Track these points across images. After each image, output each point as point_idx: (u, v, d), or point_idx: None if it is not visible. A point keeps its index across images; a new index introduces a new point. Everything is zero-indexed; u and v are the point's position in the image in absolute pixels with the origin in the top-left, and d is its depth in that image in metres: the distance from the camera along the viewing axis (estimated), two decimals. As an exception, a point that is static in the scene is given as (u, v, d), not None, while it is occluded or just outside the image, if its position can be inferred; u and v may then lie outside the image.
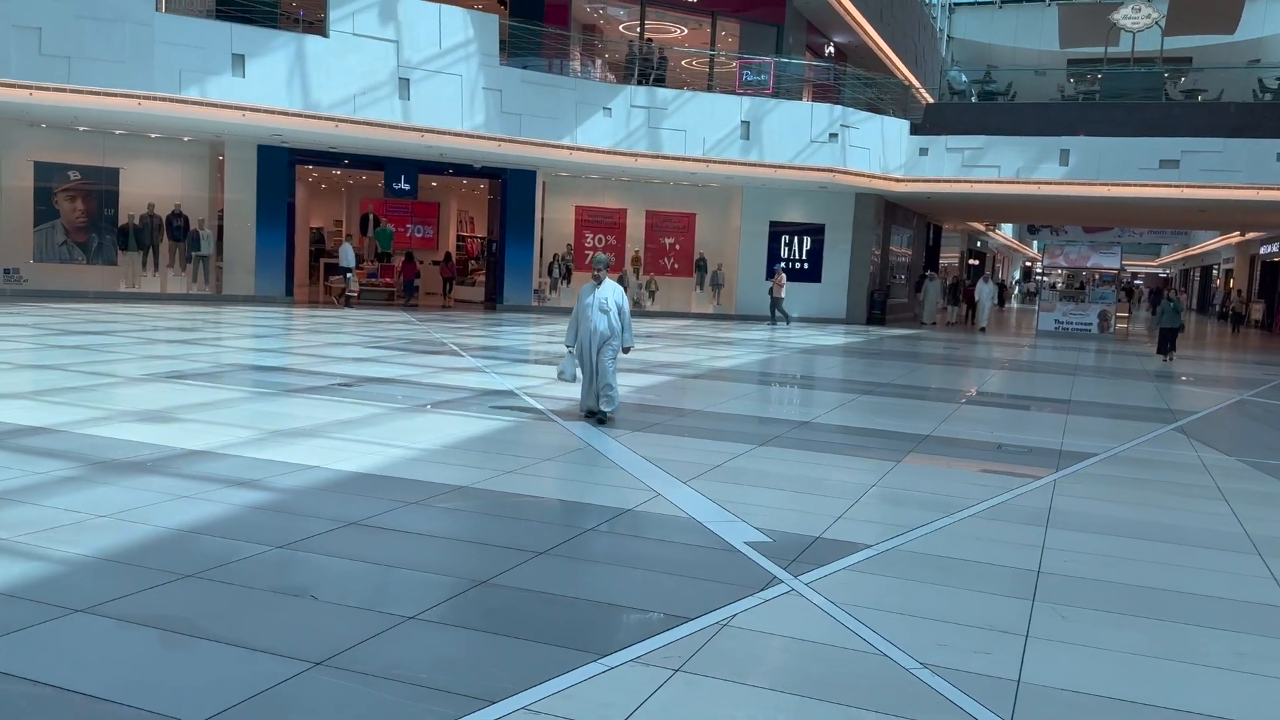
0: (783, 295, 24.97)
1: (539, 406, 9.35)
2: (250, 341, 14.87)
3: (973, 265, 49.25)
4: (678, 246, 27.84)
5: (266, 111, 18.66)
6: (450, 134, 20.30)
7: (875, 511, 6.15)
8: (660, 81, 24.22)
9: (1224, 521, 6.33)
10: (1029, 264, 69.32)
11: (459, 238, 32.25)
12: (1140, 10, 25.81)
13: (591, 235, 27.08)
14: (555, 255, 26.24)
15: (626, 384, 11.20)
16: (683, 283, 27.98)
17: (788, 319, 24.82)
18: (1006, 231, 55.72)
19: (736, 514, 5.77)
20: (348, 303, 23.34)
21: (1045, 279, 28.78)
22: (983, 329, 26.29)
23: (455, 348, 14.62)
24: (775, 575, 4.70)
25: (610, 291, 8.72)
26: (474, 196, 30.70)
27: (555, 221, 26.86)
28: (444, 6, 20.20)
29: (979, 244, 50.37)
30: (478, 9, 22.50)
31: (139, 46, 17.52)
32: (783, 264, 26.41)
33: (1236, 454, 8.88)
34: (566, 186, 26.63)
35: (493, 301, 25.26)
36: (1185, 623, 4.41)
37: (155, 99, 17.69)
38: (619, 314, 8.69)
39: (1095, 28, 35.37)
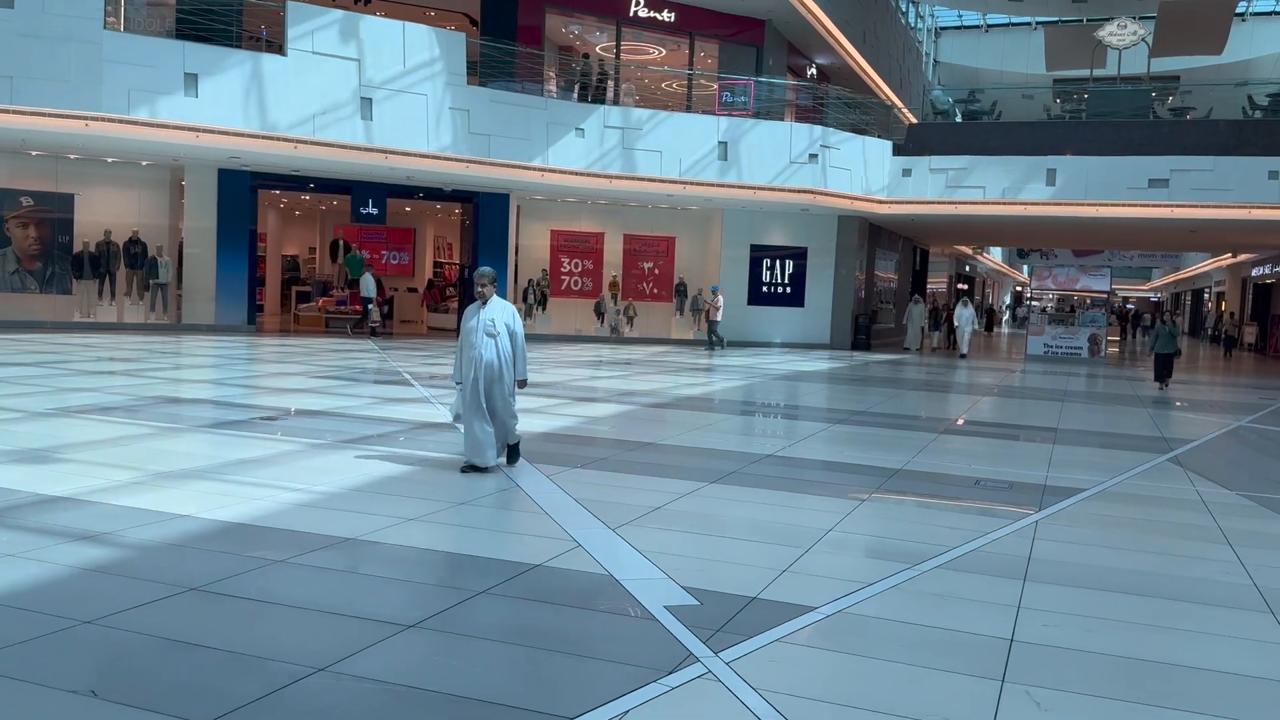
0: (718, 318, 23.43)
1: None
2: (188, 373, 14.03)
3: (960, 290, 48.69)
4: (657, 271, 27.12)
5: (221, 133, 17.94)
6: (415, 155, 19.59)
7: (827, 562, 5.32)
8: (631, 100, 23.61)
9: (1229, 571, 5.51)
10: (1019, 288, 68.81)
11: (436, 264, 31.54)
12: (1126, 27, 25.28)
13: (568, 260, 26.35)
14: (530, 281, 25.49)
15: (583, 414, 10.38)
16: (662, 308, 27.23)
17: (722, 343, 23.26)
18: (996, 255, 55.21)
19: (665, 569, 4.95)
20: (373, 333, 22.94)
21: (1036, 303, 28.06)
22: (963, 355, 25.09)
23: (409, 377, 13.80)
24: (691, 652, 3.87)
25: (499, 311, 7.21)
26: (451, 222, 29.99)
27: (530, 247, 26.13)
28: (408, 24, 19.57)
29: (967, 268, 49.80)
30: (451, 29, 21.93)
31: (86, 66, 16.80)
32: (718, 286, 24.69)
33: (1238, 488, 8.08)
34: (541, 210, 25.93)
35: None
36: (1188, 710, 3.58)
37: (103, 120, 16.95)
38: (510, 338, 7.19)
39: (1081, 49, 34.96)
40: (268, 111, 18.29)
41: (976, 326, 26.09)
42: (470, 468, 7.18)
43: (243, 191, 21.84)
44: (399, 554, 5.09)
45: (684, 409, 11.85)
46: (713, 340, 23.35)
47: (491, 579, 4.74)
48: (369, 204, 22.99)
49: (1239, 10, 40.15)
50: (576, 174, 21.66)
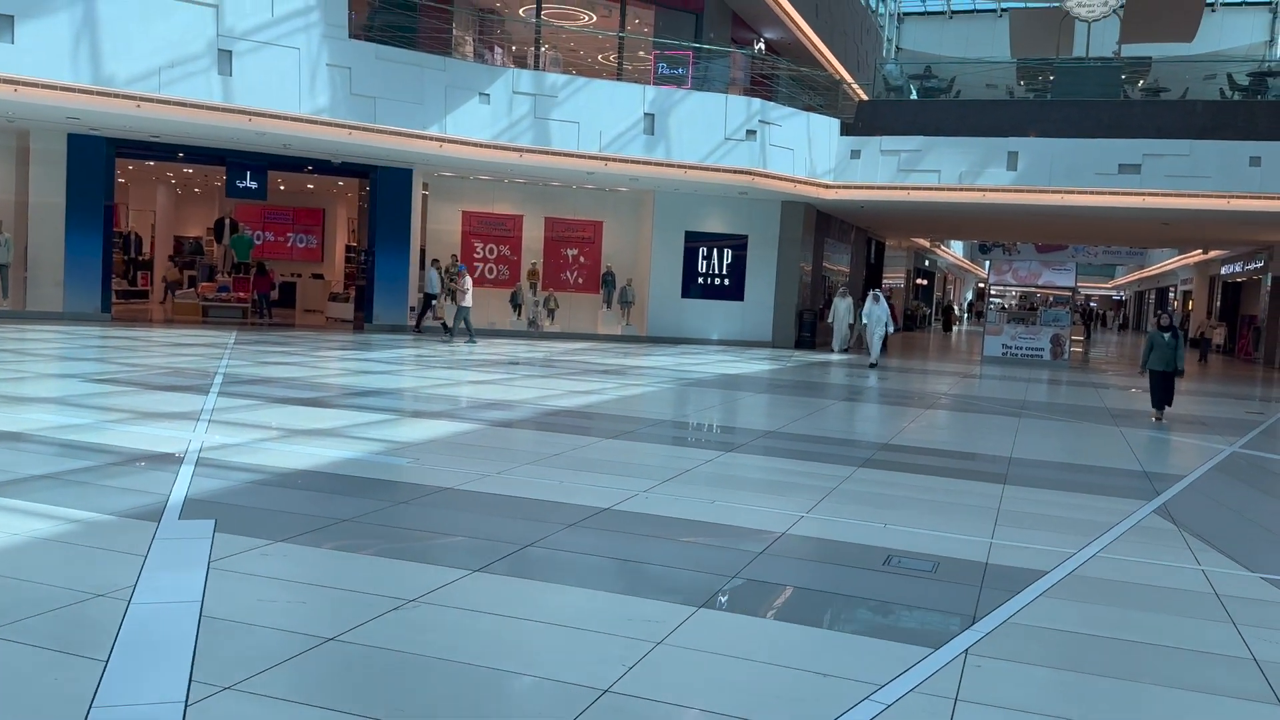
0: (468, 304, 19.48)
1: (174, 490, 5.98)
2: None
3: (920, 285, 46.62)
4: (582, 259, 24.59)
5: (45, 86, 15.17)
6: (285, 118, 16.91)
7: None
8: (556, 69, 21.02)
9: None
10: (981, 284, 67.33)
11: (348, 249, 28.75)
12: (1096, -4, 23.06)
13: (482, 245, 23.76)
14: (435, 262, 22.81)
15: (400, 437, 7.83)
16: (588, 299, 24.72)
17: (470, 333, 19.60)
18: (957, 250, 53.23)
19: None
20: (445, 329, 20.88)
21: (997, 299, 25.81)
22: (873, 365, 19.15)
23: (223, 380, 11.18)
24: None
25: None
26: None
27: (440, 231, 23.50)
28: (278, -34, 16.85)
29: (927, 262, 47.73)
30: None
31: None
32: (464, 266, 21.17)
33: (1258, 566, 5.73)
34: (452, 189, 23.30)
35: (362, 320, 21.74)
36: None
37: (-110, 66, 14.15)
38: None
39: (1048, 32, 32.85)
40: (103, 62, 15.53)
41: (892, 329, 20.28)
42: None
43: (97, 160, 19.04)
44: None
45: (544, 429, 9.36)
46: (457, 329, 19.78)
47: None
48: (246, 177, 20.25)
49: (1208, 1, 38.39)
50: (480, 145, 19.07)
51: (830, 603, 4.66)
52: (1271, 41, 40.55)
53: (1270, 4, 41.48)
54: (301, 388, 11.00)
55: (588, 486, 6.65)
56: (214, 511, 5.40)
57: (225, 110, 16.41)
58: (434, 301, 21.35)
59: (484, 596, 4.35)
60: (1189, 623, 4.62)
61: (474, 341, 19.31)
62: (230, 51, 16.38)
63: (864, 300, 20.91)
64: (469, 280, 19.67)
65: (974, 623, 4.37)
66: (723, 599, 4.54)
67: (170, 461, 6.66)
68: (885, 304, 20.25)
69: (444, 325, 21.44)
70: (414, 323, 21.37)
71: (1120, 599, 4.92)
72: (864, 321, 20.17)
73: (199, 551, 4.68)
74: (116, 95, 15.62)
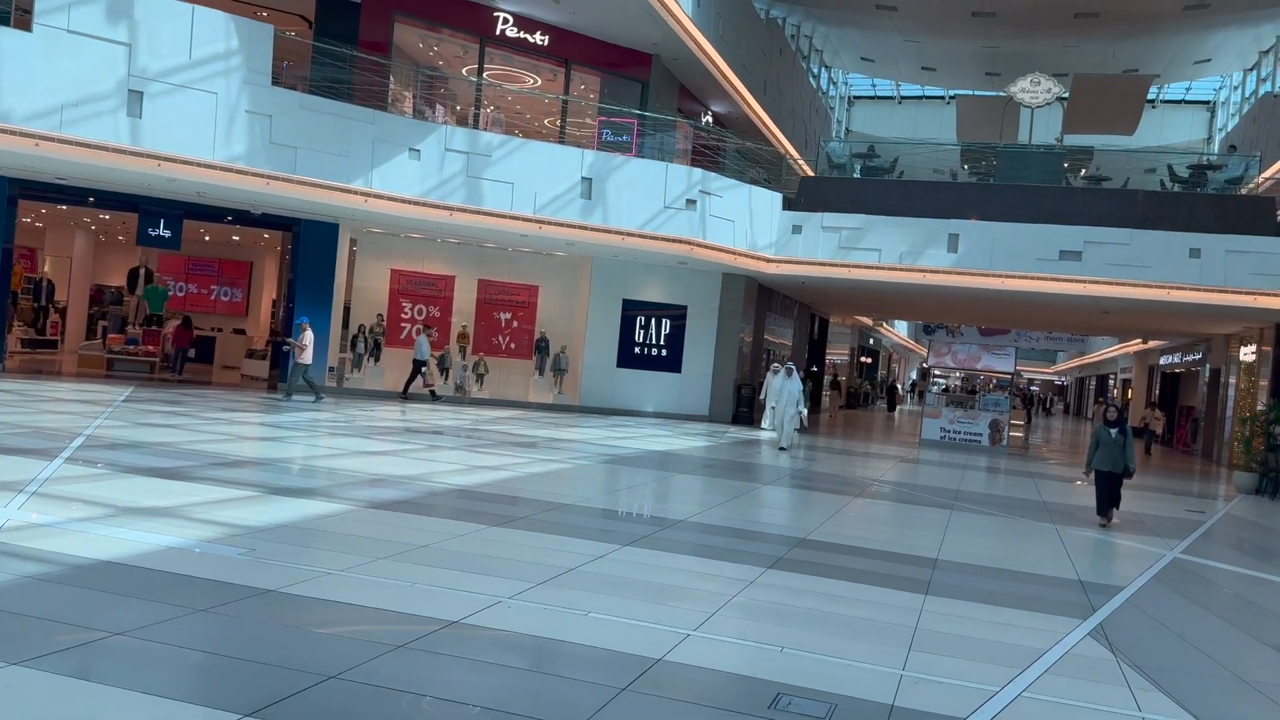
0: (307, 361, 18.11)
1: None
2: None
3: (864, 364, 46.47)
4: (515, 323, 23.77)
5: (-69, 118, 14.15)
6: (197, 164, 15.98)
7: None
8: (498, 129, 20.41)
9: None
10: (925, 365, 67.86)
11: (275, 304, 27.63)
12: (1040, 84, 23.15)
13: (410, 305, 22.84)
14: (361, 327, 21.87)
15: (252, 519, 6.81)
16: (521, 365, 23.85)
17: (316, 392, 18.25)
18: (901, 330, 53.35)
19: None
20: (433, 395, 21.10)
21: (942, 380, 25.38)
22: (783, 448, 17.45)
23: (82, 443, 10.08)
24: None
25: None
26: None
27: (367, 289, 22.58)
28: (199, 8, 16.07)
29: (871, 341, 47.64)
30: (292, 34, 18.61)
31: None
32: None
33: (1205, 712, 4.95)
34: (382, 246, 22.45)
35: (277, 379, 20.59)
36: None
37: None
38: None
39: (993, 120, 33.22)
40: (1, 97, 14.56)
41: (803, 407, 18.25)
42: None
43: (-2, 201, 17.92)
44: None
45: (423, 513, 8.41)
46: (294, 386, 18.19)
47: None
48: (159, 225, 19.21)
49: (1150, 96, 39.32)
50: (408, 202, 18.27)
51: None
52: (1209, 139, 41.60)
53: (1209, 103, 42.66)
54: (167, 455, 9.93)
55: (444, 590, 5.71)
56: (-44, 618, 4.39)
57: (133, 154, 15.44)
58: (423, 369, 20.85)
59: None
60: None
61: (320, 399, 18.19)
62: (141, 93, 15.49)
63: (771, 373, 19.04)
64: (309, 335, 18.20)
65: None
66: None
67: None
68: (798, 379, 18.34)
69: (432, 393, 21.10)
70: (402, 390, 20.93)
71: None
72: (771, 403, 18.51)
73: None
74: (13, 132, 14.60)
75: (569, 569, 6.62)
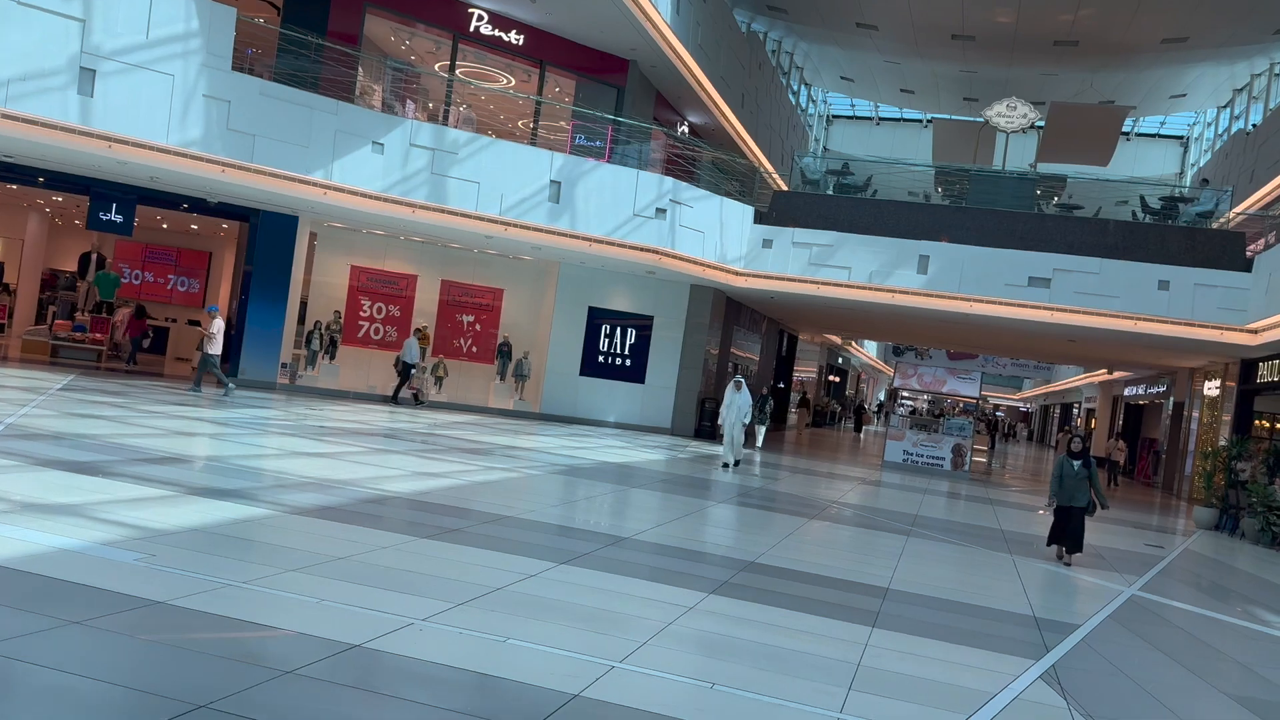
0: (215, 351, 17.07)
1: None
2: None
3: (832, 382, 46.32)
4: (478, 326, 23.30)
5: None
6: (149, 148, 15.43)
7: None
8: (469, 128, 19.97)
9: None
10: (892, 386, 68.09)
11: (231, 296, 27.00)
12: (1016, 109, 23.07)
13: (370, 303, 22.31)
14: (317, 323, 21.32)
15: (144, 523, 6.32)
16: (482, 370, 23.38)
17: (226, 385, 17.30)
18: (871, 350, 53.33)
19: None
20: (416, 399, 20.83)
21: (909, 402, 25.18)
22: (726, 465, 16.50)
23: (5, 431, 9.53)
24: None
25: None
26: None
27: (325, 285, 22.04)
28: (159, -14, 15.55)
29: (840, 359, 47.52)
30: (260, 20, 18.09)
31: None
32: (216, 307, 18.11)
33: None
34: (342, 241, 21.93)
35: (226, 373, 19.95)
36: None
37: None
38: None
39: (969, 144, 33.22)
40: (-57, 66, 13.97)
41: (750, 418, 17.51)
42: None
43: (-62, 176, 17.28)
44: None
45: (350, 521, 7.96)
46: (203, 376, 17.49)
47: None
48: (111, 209, 18.60)
49: (1125, 129, 39.56)
50: (370, 197, 17.80)
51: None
52: (1181, 173, 41.91)
53: (1182, 138, 43.01)
54: (88, 448, 9.40)
55: (353, 609, 5.29)
56: None
57: (82, 133, 14.88)
58: (412, 371, 20.50)
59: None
60: None
61: (231, 389, 17.40)
62: (94, 71, 14.92)
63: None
64: (219, 323, 17.14)
65: None
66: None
67: None
68: (748, 393, 17.28)
69: (415, 396, 20.78)
70: (392, 394, 20.60)
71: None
72: (720, 418, 17.59)
73: None
74: (-47, 104, 14.03)
75: (495, 588, 6.21)
